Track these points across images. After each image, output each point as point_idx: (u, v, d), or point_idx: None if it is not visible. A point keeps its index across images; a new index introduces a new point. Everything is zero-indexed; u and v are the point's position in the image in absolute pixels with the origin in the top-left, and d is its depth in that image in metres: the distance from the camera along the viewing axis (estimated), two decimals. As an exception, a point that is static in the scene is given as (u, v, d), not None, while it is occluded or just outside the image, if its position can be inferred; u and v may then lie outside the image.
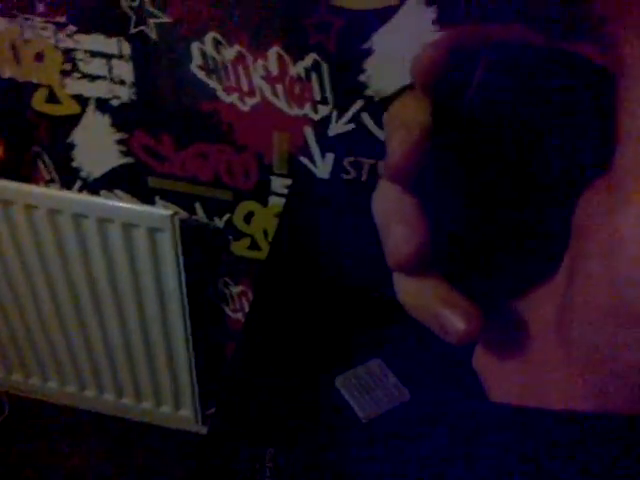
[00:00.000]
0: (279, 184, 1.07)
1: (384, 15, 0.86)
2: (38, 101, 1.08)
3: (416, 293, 0.21)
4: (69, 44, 1.00)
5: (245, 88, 0.97)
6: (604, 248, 0.17)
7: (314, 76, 0.93)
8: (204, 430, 1.47)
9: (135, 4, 0.93)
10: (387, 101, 0.94)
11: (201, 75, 0.97)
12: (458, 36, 0.22)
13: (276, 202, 1.09)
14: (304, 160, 1.03)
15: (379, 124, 0.96)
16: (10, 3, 0.97)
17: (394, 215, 0.21)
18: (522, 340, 0.21)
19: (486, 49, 0.21)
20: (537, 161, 0.20)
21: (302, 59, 0.92)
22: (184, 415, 1.42)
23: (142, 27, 0.95)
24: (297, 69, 0.93)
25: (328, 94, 0.95)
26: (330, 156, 1.01)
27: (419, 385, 0.79)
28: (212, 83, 0.98)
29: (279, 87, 0.96)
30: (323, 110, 0.97)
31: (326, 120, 0.98)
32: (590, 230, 0.18)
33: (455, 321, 0.20)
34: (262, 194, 1.09)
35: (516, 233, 0.22)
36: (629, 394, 0.17)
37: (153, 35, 0.95)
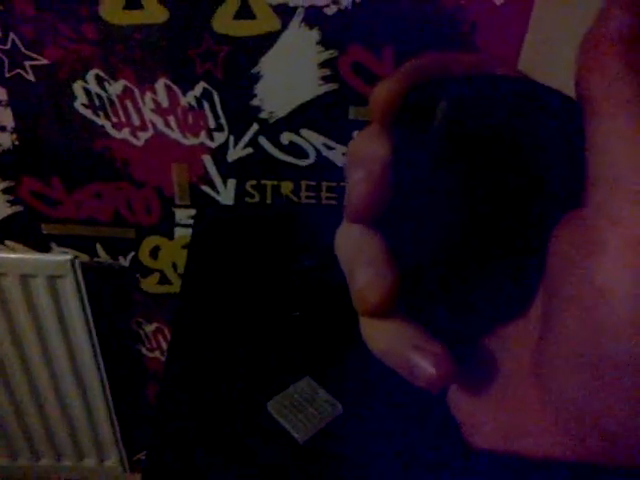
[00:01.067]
0: (183, 215, 1.05)
1: (269, 40, 0.88)
2: None
3: (384, 338, 0.20)
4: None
5: (136, 122, 0.95)
6: (581, 295, 0.17)
7: (206, 104, 0.93)
8: (132, 478, 1.41)
9: (7, 47, 0.88)
10: (282, 122, 0.95)
11: (87, 113, 0.94)
12: (418, 67, 0.21)
13: (182, 233, 1.07)
14: (206, 189, 1.02)
15: (277, 145, 0.97)
16: None
17: (359, 257, 0.20)
18: (496, 382, 0.20)
19: (449, 81, 0.20)
20: (506, 195, 0.20)
21: (192, 89, 0.91)
22: (110, 465, 1.36)
23: (18, 70, 0.90)
24: (188, 99, 0.93)
25: (222, 121, 0.95)
26: (232, 182, 1.01)
27: (350, 397, 0.80)
28: (100, 121, 0.95)
29: (171, 118, 0.95)
30: (219, 137, 0.97)
31: (224, 147, 0.97)
32: (564, 271, 0.18)
33: (425, 366, 0.19)
34: (167, 227, 1.06)
35: (487, 270, 0.21)
36: (606, 444, 0.17)
37: (31, 77, 0.91)
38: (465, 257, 0.21)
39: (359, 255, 0.20)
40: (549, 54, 0.81)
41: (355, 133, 0.99)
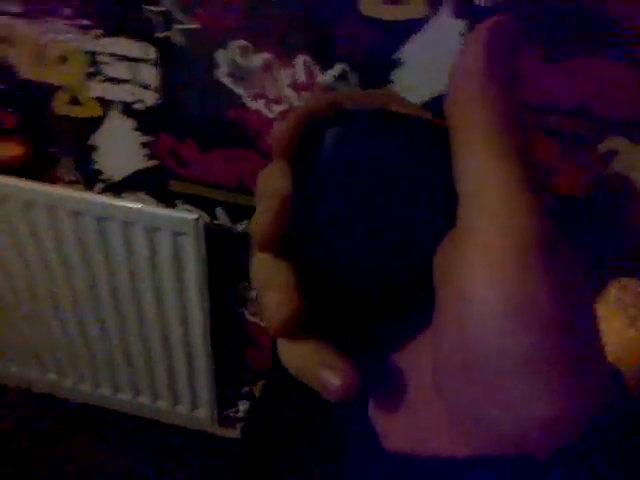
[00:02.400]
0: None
1: (414, 27, 0.85)
2: (60, 103, 1.07)
3: (296, 356, 0.22)
4: (94, 47, 0.99)
5: (272, 95, 0.96)
6: (451, 302, 0.19)
7: (342, 85, 0.92)
8: (220, 431, 1.48)
9: (161, 9, 0.92)
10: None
11: (227, 82, 0.96)
12: (314, 104, 0.23)
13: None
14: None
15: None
16: (36, 6, 0.96)
17: (267, 283, 0.22)
18: (404, 392, 0.22)
19: (331, 116, 0.22)
20: (397, 217, 0.22)
21: (331, 68, 0.91)
22: (200, 416, 1.43)
23: (168, 32, 0.94)
24: (325, 77, 0.92)
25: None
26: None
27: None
28: (238, 90, 0.97)
29: (306, 95, 0.95)
30: (350, 119, 0.96)
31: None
32: (440, 283, 0.20)
33: (333, 380, 0.21)
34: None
35: (391, 286, 0.23)
36: (492, 436, 0.18)
37: (179, 41, 0.94)
38: (374, 280, 0.22)
39: (267, 281, 0.22)
40: None
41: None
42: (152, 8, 0.91)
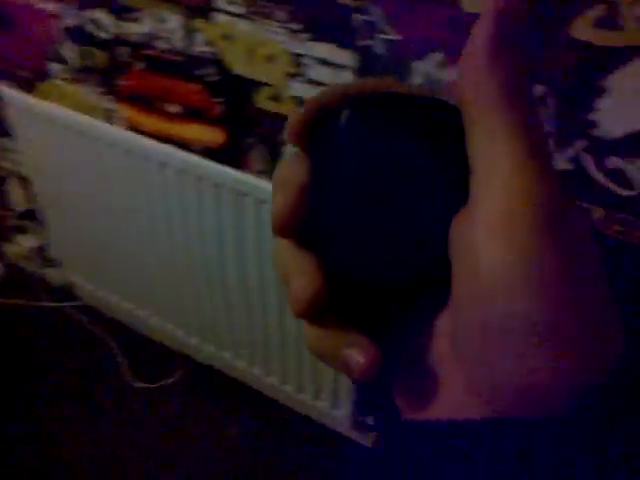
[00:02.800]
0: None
1: (626, 55, 0.79)
2: (262, 98, 1.16)
3: (319, 338, 0.23)
4: (300, 50, 1.05)
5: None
6: (466, 268, 0.19)
7: (540, 107, 0.88)
8: (352, 435, 1.49)
9: (367, 19, 0.95)
10: (614, 145, 0.86)
11: (419, 93, 0.97)
12: (327, 94, 0.24)
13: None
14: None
15: (601, 168, 0.89)
16: (254, 7, 1.05)
17: (289, 267, 0.23)
18: (425, 365, 0.23)
19: (344, 104, 0.22)
20: (413, 199, 0.22)
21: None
22: (338, 415, 1.45)
23: (369, 41, 0.97)
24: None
25: (551, 129, 0.89)
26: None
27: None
28: (429, 102, 0.97)
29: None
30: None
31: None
32: (455, 252, 0.20)
33: (356, 358, 0.22)
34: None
35: (408, 272, 0.23)
36: (508, 397, 0.19)
37: (380, 50, 0.97)
38: (391, 266, 0.23)
39: (290, 266, 0.23)
40: None
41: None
42: (360, 17, 0.95)
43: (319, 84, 1.07)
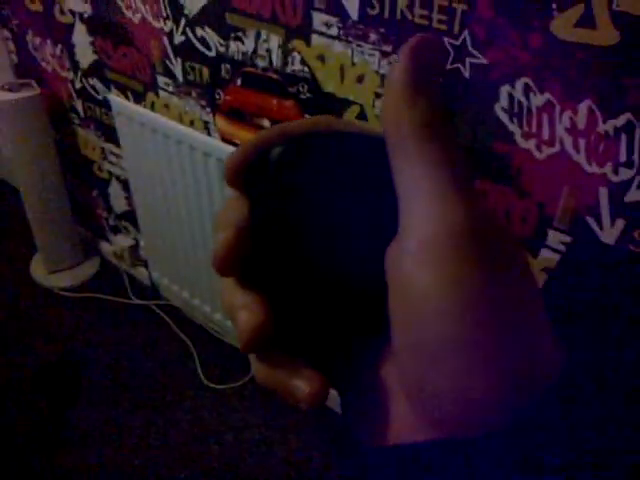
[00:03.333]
0: (556, 239, 1.03)
1: None
2: (350, 116, 1.21)
3: (267, 372, 0.23)
4: (387, 71, 1.10)
5: (545, 136, 0.95)
6: (397, 294, 0.20)
7: (624, 137, 0.88)
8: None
9: (457, 43, 0.98)
10: None
11: (503, 117, 0.99)
12: (263, 135, 0.24)
13: (548, 256, 1.05)
14: (590, 220, 0.97)
15: (689, 200, 0.86)
16: (349, 29, 1.10)
17: (233, 303, 0.23)
18: (377, 390, 0.23)
19: (278, 143, 0.23)
20: (345, 229, 0.23)
21: (615, 117, 0.87)
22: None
23: (458, 65, 1.00)
24: (607, 127, 0.89)
25: (635, 157, 0.88)
26: (620, 222, 0.94)
27: None
28: (512, 127, 0.98)
29: (582, 141, 0.92)
30: (625, 173, 0.90)
31: (626, 184, 0.91)
32: (390, 281, 0.21)
33: (302, 387, 0.22)
34: (532, 245, 1.06)
35: (358, 295, 0.24)
36: (448, 418, 0.19)
37: (466, 73, 0.99)
38: (339, 291, 0.24)
39: (235, 302, 0.23)
40: None
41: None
42: (451, 41, 0.98)
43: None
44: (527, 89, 0.94)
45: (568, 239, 1.01)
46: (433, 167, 0.20)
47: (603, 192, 0.94)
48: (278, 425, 1.63)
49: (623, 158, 0.90)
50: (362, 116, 1.18)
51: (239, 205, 0.24)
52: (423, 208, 0.19)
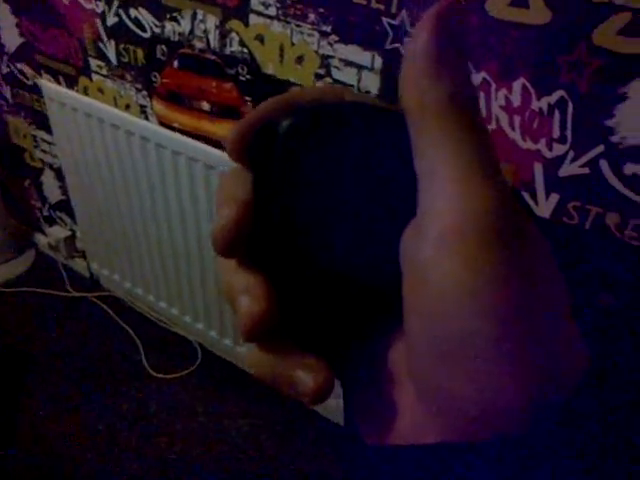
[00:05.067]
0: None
1: (649, 61, 0.81)
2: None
3: (269, 362, 0.22)
4: (328, 51, 1.10)
5: (482, 114, 0.98)
6: (415, 286, 0.19)
7: (557, 113, 0.91)
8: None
9: (395, 23, 0.99)
10: (632, 151, 0.88)
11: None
12: (269, 104, 0.22)
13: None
14: (525, 195, 1.01)
15: (617, 174, 0.90)
16: (287, 10, 1.09)
17: (234, 287, 0.22)
18: (383, 382, 0.22)
19: (286, 114, 0.21)
20: (361, 209, 0.21)
21: (549, 95, 0.90)
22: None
23: (397, 44, 1.01)
24: (541, 104, 0.92)
25: (568, 133, 0.92)
26: (555, 197, 0.98)
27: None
28: (450, 105, 1.00)
29: (517, 118, 0.95)
30: (558, 149, 0.94)
31: (559, 160, 0.94)
32: (406, 267, 0.20)
33: (305, 381, 0.21)
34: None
35: (364, 280, 0.22)
36: (464, 421, 0.18)
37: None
38: (344, 276, 0.22)
39: (236, 286, 0.22)
40: None
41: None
42: (388, 20, 0.99)
43: (344, 85, 1.11)
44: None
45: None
46: (458, 148, 0.18)
47: (538, 167, 0.97)
48: (226, 412, 1.62)
49: (557, 134, 0.93)
50: (303, 97, 1.17)
51: (242, 178, 0.22)
52: (447, 192, 0.18)
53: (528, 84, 0.91)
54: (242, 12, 1.16)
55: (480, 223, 0.17)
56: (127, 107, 1.50)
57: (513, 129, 0.96)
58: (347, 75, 1.10)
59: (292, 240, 0.22)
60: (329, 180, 0.21)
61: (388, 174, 0.21)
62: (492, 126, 0.98)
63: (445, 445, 0.18)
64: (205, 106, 1.33)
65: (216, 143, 1.33)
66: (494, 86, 0.94)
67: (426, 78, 0.19)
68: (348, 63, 1.08)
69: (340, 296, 0.22)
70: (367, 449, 0.22)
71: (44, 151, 1.87)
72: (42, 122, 1.76)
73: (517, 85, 0.92)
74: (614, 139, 0.89)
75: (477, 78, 0.95)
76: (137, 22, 1.33)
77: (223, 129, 1.33)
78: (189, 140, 1.32)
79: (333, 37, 1.07)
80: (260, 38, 1.17)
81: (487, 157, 0.18)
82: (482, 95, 0.96)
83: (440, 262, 0.17)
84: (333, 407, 1.50)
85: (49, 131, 1.70)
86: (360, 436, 0.22)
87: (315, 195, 0.21)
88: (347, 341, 0.23)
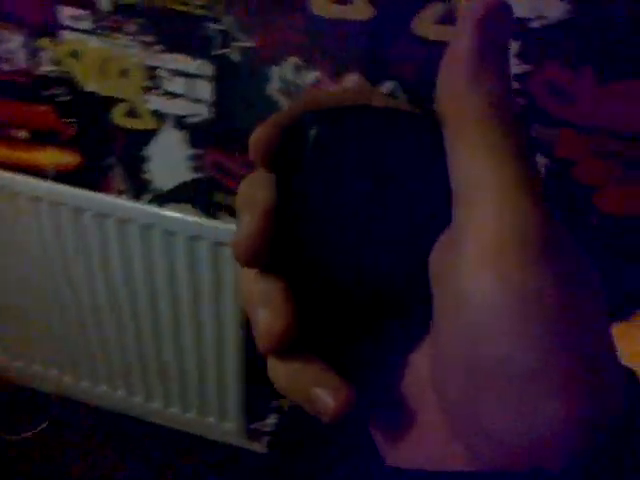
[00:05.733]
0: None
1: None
2: (118, 115, 1.13)
3: (287, 376, 0.21)
4: (154, 62, 1.06)
5: (320, 112, 1.01)
6: (450, 305, 0.17)
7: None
8: (246, 444, 1.48)
9: (222, 28, 0.98)
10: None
11: (278, 98, 1.01)
12: (294, 106, 0.22)
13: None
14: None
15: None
16: (103, 22, 1.03)
17: (257, 298, 0.21)
18: (405, 402, 0.21)
19: (310, 117, 0.21)
20: (391, 217, 0.21)
21: (380, 87, 0.96)
22: (228, 428, 1.44)
23: (226, 50, 1.00)
24: (372, 96, 0.97)
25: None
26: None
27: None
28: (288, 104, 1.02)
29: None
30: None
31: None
32: (439, 283, 0.19)
33: (325, 400, 0.20)
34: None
35: (391, 289, 0.21)
36: (494, 449, 0.16)
37: (235, 58, 1.00)
38: (371, 283, 0.21)
39: (257, 297, 0.21)
40: None
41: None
42: (213, 26, 0.98)
43: (176, 96, 1.08)
44: (297, 68, 0.98)
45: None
46: (500, 159, 0.17)
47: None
48: (103, 460, 1.50)
49: (390, 123, 0.99)
50: (133, 113, 1.12)
51: (265, 182, 0.21)
52: (487, 207, 0.16)
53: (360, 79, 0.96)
54: (50, 28, 1.07)
55: (523, 241, 0.16)
56: None
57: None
58: (178, 85, 1.06)
59: (315, 246, 0.21)
60: (352, 187, 0.20)
61: (415, 181, 0.21)
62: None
63: (476, 474, 0.17)
64: (21, 134, 1.21)
65: (41, 172, 1.22)
66: (328, 83, 0.98)
67: (466, 82, 0.18)
68: (177, 73, 1.05)
69: (356, 303, 0.22)
70: (387, 471, 0.21)
71: None
72: None
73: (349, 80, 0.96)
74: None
75: (311, 77, 0.98)
76: None
77: (46, 156, 1.22)
78: (7, 174, 1.19)
79: (158, 47, 1.03)
80: (75, 54, 1.09)
81: (529, 169, 0.17)
82: (317, 93, 0.99)
83: (479, 279, 0.16)
84: (214, 426, 1.46)
85: None
86: (379, 454, 0.21)
87: (338, 200, 0.21)
88: (363, 348, 0.23)
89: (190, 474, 1.48)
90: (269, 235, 0.20)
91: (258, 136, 0.21)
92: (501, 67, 0.18)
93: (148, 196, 1.22)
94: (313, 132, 0.20)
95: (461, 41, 0.18)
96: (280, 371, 0.21)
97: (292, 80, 0.99)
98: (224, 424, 1.44)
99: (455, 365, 0.17)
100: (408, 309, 0.21)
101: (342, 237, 0.21)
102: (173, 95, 1.08)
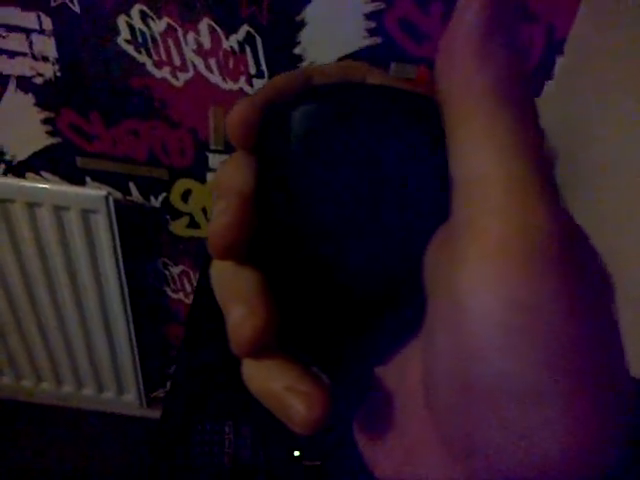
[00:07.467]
0: (217, 161, 1.05)
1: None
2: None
3: (261, 378, 0.19)
4: (-18, 18, 0.94)
5: (177, 62, 0.94)
6: (447, 315, 0.15)
7: (248, 49, 0.92)
8: (149, 413, 1.45)
9: (54, -25, 0.88)
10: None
11: (129, 49, 0.94)
12: (278, 82, 0.20)
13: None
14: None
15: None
16: None
17: (231, 293, 0.19)
18: (394, 414, 0.19)
19: (296, 96, 0.19)
20: (375, 213, 0.18)
21: (235, 32, 0.90)
22: (128, 399, 1.40)
23: (64, 0, 0.90)
24: (230, 42, 0.91)
25: (263, 67, 0.94)
26: (267, 130, 1.01)
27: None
28: (141, 58, 0.94)
29: (212, 61, 0.94)
30: (259, 84, 0.96)
31: (262, 94, 0.96)
32: (434, 285, 0.17)
33: (297, 408, 0.18)
34: (200, 171, 1.07)
35: (379, 286, 0.19)
36: (489, 470, 0.15)
37: (76, 8, 0.90)
38: (357, 279, 0.19)
39: (231, 292, 0.19)
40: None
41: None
42: (43, -27, 0.87)
43: (15, 54, 0.97)
44: (144, 16, 0.90)
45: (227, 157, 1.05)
46: (508, 150, 0.15)
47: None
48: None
49: (253, 70, 0.94)
50: (-33, 76, 1.00)
51: (246, 166, 0.19)
52: (491, 206, 0.14)
53: (213, 24, 0.90)
54: None
55: (532, 249, 0.14)
56: None
57: (212, 72, 0.95)
58: (15, 42, 0.95)
59: (295, 237, 0.19)
60: (342, 174, 0.18)
61: (410, 173, 0.18)
62: (190, 73, 0.95)
63: None
64: None
65: None
66: (181, 31, 0.91)
67: (474, 58, 0.15)
68: (11, 28, 0.94)
69: (341, 301, 0.19)
70: None
71: None
72: None
73: (203, 26, 0.90)
74: (305, 64, 0.93)
75: (161, 25, 0.91)
76: None
77: None
78: None
79: (-17, 0, 0.92)
80: None
81: (542, 164, 0.15)
82: (172, 42, 0.92)
83: (480, 287, 0.14)
84: (113, 399, 1.41)
85: None
86: (366, 466, 0.19)
87: (325, 187, 0.18)
88: (348, 351, 0.20)
89: (92, 449, 1.44)
90: (247, 225, 0.18)
91: (235, 115, 0.19)
92: (513, 41, 0.15)
93: (2, 167, 1.11)
94: (298, 112, 0.18)
95: (467, 14, 0.15)
96: (252, 373, 0.19)
97: (142, 29, 0.91)
98: (123, 396, 1.40)
99: (448, 374, 0.16)
100: (399, 306, 0.19)
101: (327, 228, 0.19)
102: (11, 54, 0.97)
